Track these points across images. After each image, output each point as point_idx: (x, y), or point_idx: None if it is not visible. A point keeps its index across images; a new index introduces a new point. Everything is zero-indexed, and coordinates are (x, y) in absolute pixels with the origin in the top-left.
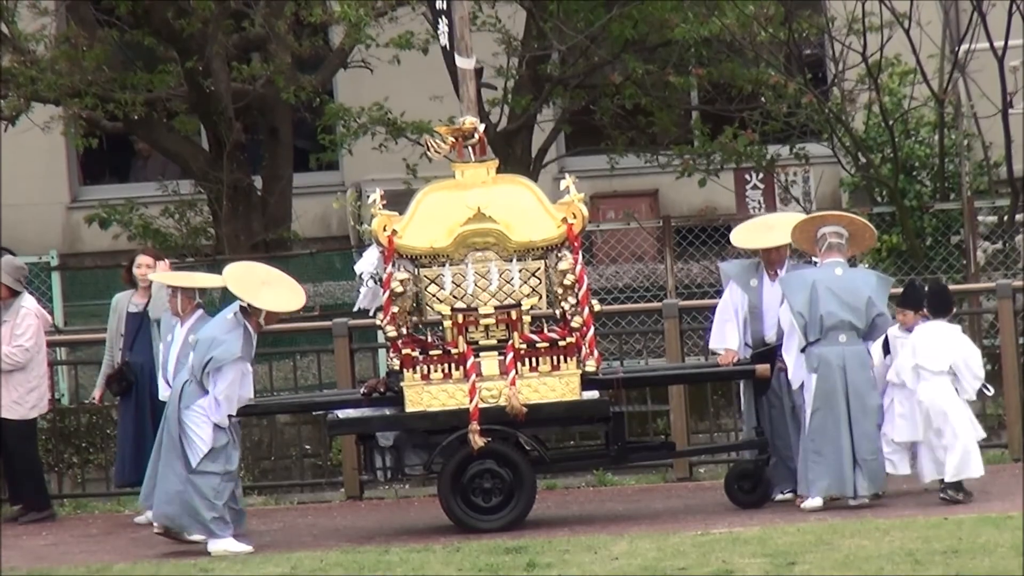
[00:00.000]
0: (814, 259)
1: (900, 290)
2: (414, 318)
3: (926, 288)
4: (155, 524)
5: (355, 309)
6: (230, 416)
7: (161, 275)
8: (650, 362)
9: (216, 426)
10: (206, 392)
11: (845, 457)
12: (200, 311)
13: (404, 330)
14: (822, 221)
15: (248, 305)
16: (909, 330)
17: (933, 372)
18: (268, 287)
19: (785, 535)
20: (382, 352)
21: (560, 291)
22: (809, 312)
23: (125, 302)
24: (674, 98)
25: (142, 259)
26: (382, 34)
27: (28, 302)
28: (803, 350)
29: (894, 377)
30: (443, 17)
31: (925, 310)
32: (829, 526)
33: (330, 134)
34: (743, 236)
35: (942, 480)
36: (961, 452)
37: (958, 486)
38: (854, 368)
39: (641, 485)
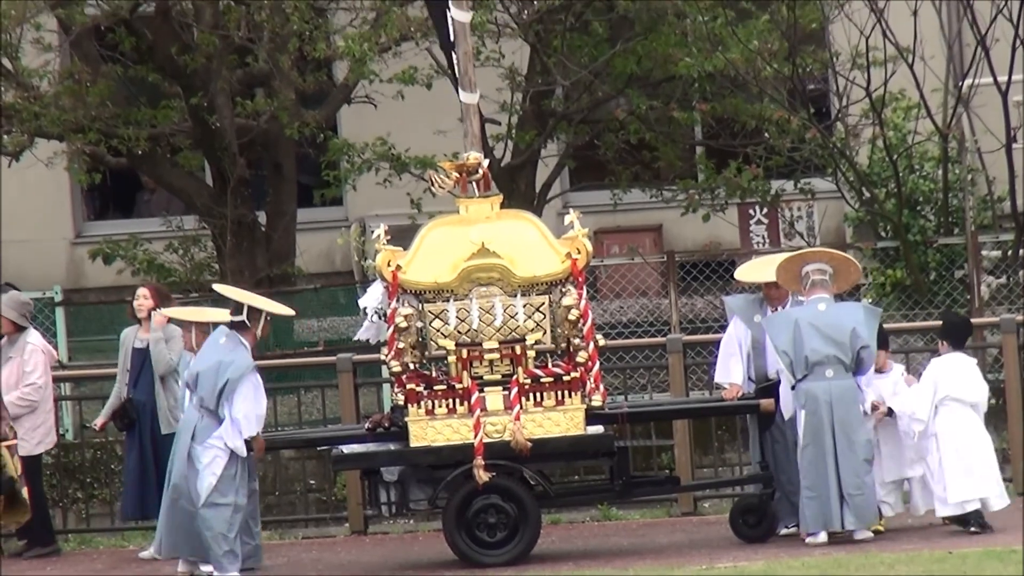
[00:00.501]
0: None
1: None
2: (419, 353)
3: (945, 319)
4: (180, 566)
5: (354, 339)
6: (248, 442)
7: (175, 311)
8: (654, 397)
9: (231, 455)
10: (220, 422)
11: (832, 492)
12: None
13: (409, 365)
14: (803, 259)
15: (247, 312)
16: (880, 372)
17: (965, 403)
18: (256, 298)
19: (790, 570)
20: (386, 387)
21: (565, 326)
22: (793, 350)
23: (132, 337)
24: (678, 133)
25: (141, 292)
26: (386, 69)
27: (34, 338)
28: (793, 387)
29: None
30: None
31: (944, 342)
32: (834, 560)
33: (334, 169)
34: (745, 272)
35: (975, 512)
36: (1000, 482)
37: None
38: (841, 403)
39: (646, 519)
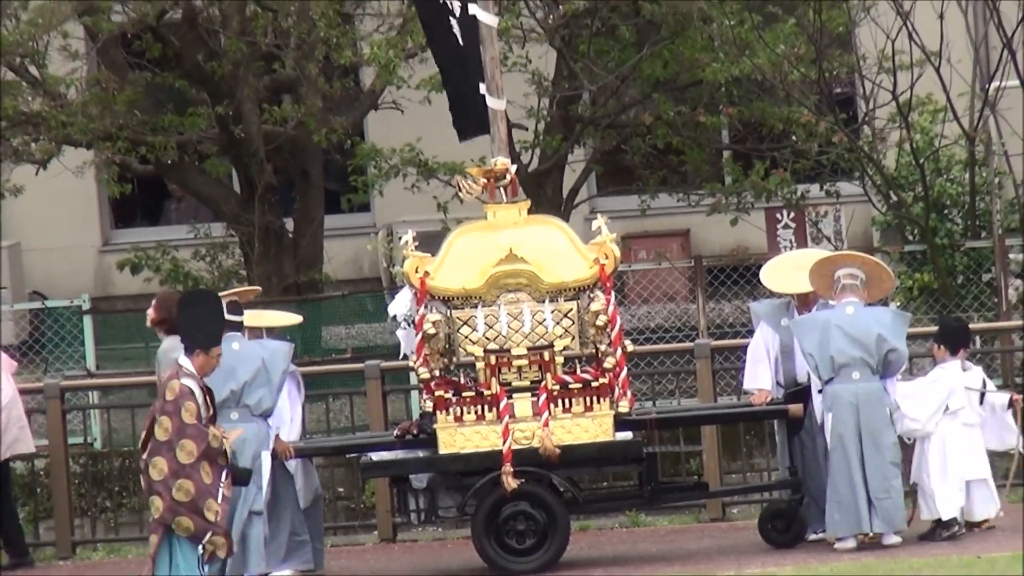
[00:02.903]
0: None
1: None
2: (447, 360)
3: (942, 324)
4: None
5: (401, 356)
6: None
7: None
8: (683, 402)
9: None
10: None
11: (859, 495)
12: None
13: (437, 372)
14: (833, 263)
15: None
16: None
17: (965, 412)
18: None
19: (818, 575)
20: (415, 394)
21: (593, 332)
22: (819, 352)
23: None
24: (705, 137)
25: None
26: (413, 75)
27: None
28: (820, 391)
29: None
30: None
31: (941, 347)
32: (863, 565)
33: (361, 175)
34: (774, 278)
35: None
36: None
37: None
38: (868, 406)
39: (674, 526)
